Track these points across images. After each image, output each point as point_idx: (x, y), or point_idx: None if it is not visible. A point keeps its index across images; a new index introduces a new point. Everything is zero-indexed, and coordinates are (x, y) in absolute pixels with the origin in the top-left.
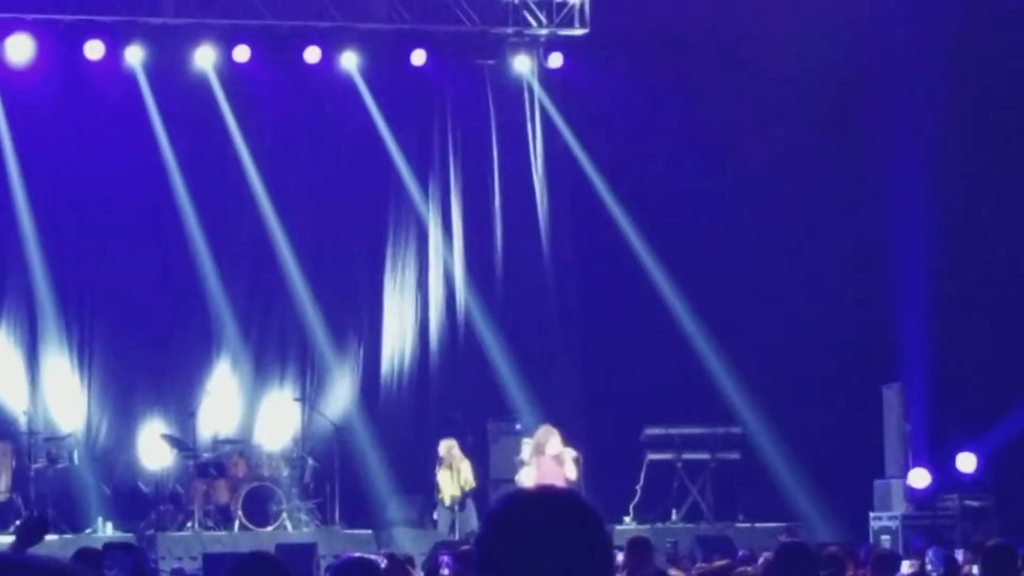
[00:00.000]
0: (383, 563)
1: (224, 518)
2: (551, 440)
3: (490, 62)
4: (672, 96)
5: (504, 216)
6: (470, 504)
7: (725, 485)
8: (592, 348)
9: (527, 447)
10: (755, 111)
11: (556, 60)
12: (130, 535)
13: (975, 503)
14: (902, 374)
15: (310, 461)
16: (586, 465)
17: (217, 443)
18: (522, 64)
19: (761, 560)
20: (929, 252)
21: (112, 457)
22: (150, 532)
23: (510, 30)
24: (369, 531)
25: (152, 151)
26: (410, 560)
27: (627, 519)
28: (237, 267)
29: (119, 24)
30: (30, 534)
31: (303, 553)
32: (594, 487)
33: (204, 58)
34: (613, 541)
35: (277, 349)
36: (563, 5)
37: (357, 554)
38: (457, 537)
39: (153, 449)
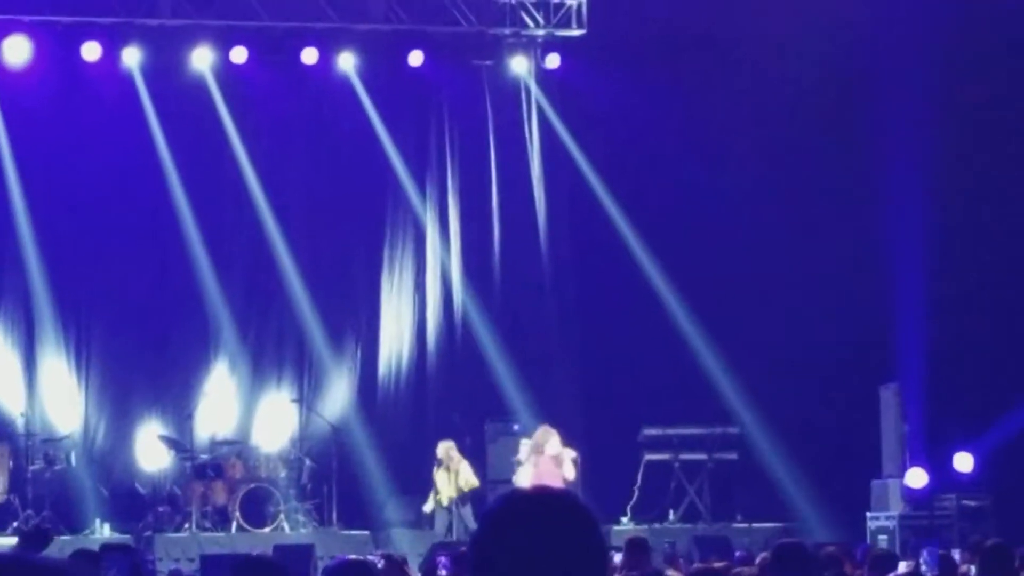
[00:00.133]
0: (380, 563)
1: (222, 519)
2: (550, 440)
3: (487, 63)
4: (669, 96)
5: (501, 217)
6: (468, 505)
7: (722, 485)
8: (590, 349)
9: (525, 447)
10: (752, 111)
11: (553, 61)
12: (128, 536)
13: (972, 503)
14: (899, 374)
15: (308, 462)
16: (584, 465)
17: (214, 444)
18: (519, 65)
19: (759, 560)
20: (927, 252)
21: (110, 458)
22: (148, 533)
23: (507, 31)
24: (367, 532)
25: (149, 152)
26: (403, 560)
27: (624, 519)
28: (234, 268)
29: (116, 25)
30: (31, 545)
31: (300, 554)
32: (592, 487)
33: (201, 59)
34: (609, 542)
35: (275, 350)
36: (560, 6)
37: (352, 556)
38: (455, 538)
39: (150, 450)
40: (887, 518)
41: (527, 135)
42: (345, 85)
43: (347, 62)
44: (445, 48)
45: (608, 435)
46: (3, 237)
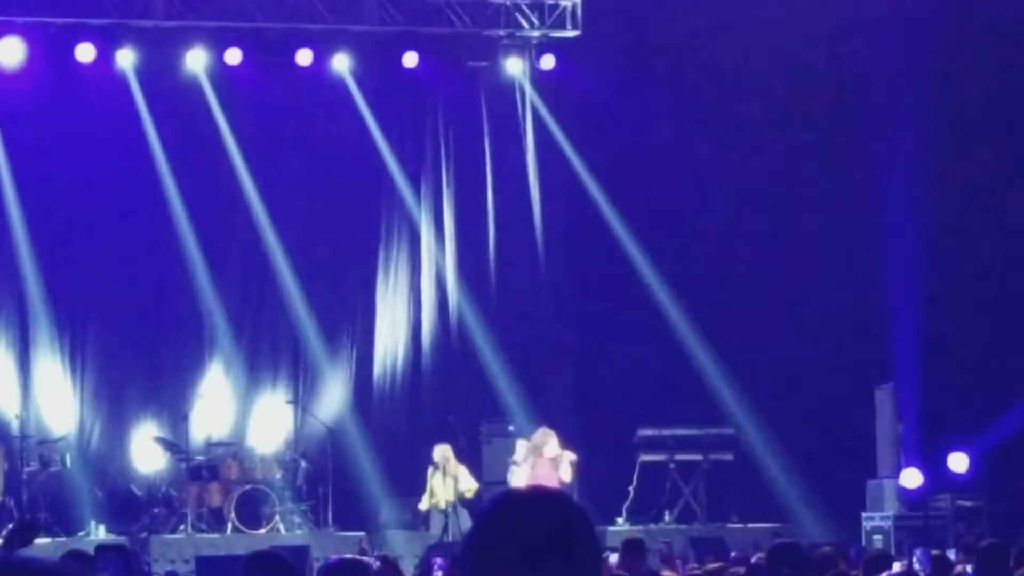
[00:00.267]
0: (375, 564)
1: (217, 521)
2: (549, 442)
3: (482, 64)
4: (664, 97)
5: (496, 218)
6: (465, 508)
7: (718, 486)
8: (585, 349)
9: (521, 448)
10: (746, 112)
11: (548, 62)
12: (123, 538)
13: (967, 503)
14: (894, 375)
15: (303, 463)
16: (579, 466)
17: (210, 446)
18: (514, 66)
19: (754, 560)
20: (922, 253)
21: (105, 460)
22: (143, 535)
23: (502, 32)
24: (362, 533)
25: (144, 154)
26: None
27: (620, 520)
28: (229, 269)
29: (110, 27)
30: (20, 537)
31: (296, 556)
32: (587, 488)
33: (195, 60)
34: (602, 543)
35: (270, 352)
36: (555, 7)
37: (348, 555)
38: (451, 539)
39: (146, 452)
40: (882, 518)
41: (522, 136)
42: (340, 86)
43: (342, 63)
44: (440, 49)
45: (603, 436)
46: None
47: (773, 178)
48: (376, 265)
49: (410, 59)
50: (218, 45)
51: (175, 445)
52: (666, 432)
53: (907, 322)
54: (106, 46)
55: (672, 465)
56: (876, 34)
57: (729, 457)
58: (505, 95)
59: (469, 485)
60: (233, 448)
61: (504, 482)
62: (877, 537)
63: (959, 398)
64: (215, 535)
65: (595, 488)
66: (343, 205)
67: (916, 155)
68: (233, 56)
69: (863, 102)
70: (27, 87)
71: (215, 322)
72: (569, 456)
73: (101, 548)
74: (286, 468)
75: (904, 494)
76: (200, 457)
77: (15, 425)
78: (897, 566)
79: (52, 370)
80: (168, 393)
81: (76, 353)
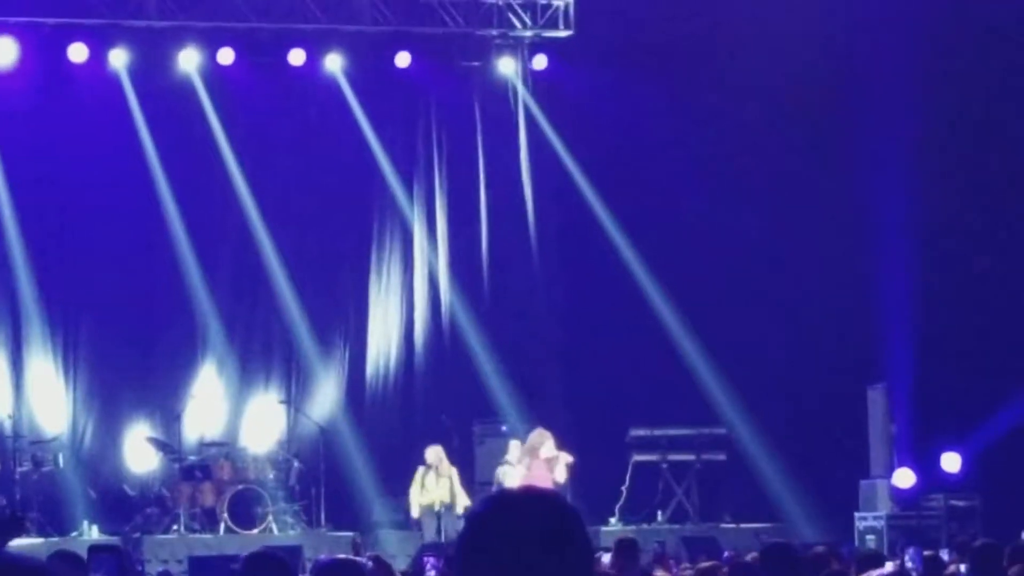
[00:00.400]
0: (368, 564)
1: (210, 521)
2: (546, 443)
3: (475, 64)
4: (656, 97)
5: (489, 218)
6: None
7: (710, 486)
8: (578, 349)
9: (514, 448)
10: (738, 111)
11: (541, 62)
12: (116, 538)
13: (960, 503)
14: (887, 374)
15: (296, 463)
16: (573, 468)
17: (202, 446)
18: (507, 66)
19: (747, 560)
20: (913, 253)
21: (97, 460)
22: (136, 535)
23: (494, 32)
24: (355, 533)
25: (137, 154)
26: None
27: (613, 520)
28: (222, 269)
29: (103, 27)
30: (5, 533)
31: (289, 556)
32: (580, 488)
33: (188, 60)
34: (594, 543)
35: (262, 352)
36: (547, 7)
37: (342, 555)
38: (444, 539)
39: (138, 452)
40: (875, 518)
41: (514, 136)
42: (332, 86)
43: (334, 63)
44: (432, 49)
45: (596, 436)
46: None
47: (766, 178)
48: (369, 265)
49: (403, 59)
50: (211, 45)
51: (168, 445)
52: (659, 432)
53: (900, 322)
54: (99, 46)
55: (665, 465)
56: (870, 33)
57: (722, 457)
58: (498, 95)
59: (459, 496)
60: (226, 448)
61: (496, 483)
62: (870, 537)
63: (952, 398)
64: (208, 535)
65: (588, 488)
66: (336, 205)
67: (908, 156)
68: (226, 56)
69: (855, 102)
70: (20, 87)
71: (208, 322)
72: (566, 458)
73: (94, 548)
74: (279, 468)
75: (897, 494)
76: (193, 457)
77: (8, 425)
78: (889, 566)
79: (45, 370)
80: (161, 393)
81: (69, 353)
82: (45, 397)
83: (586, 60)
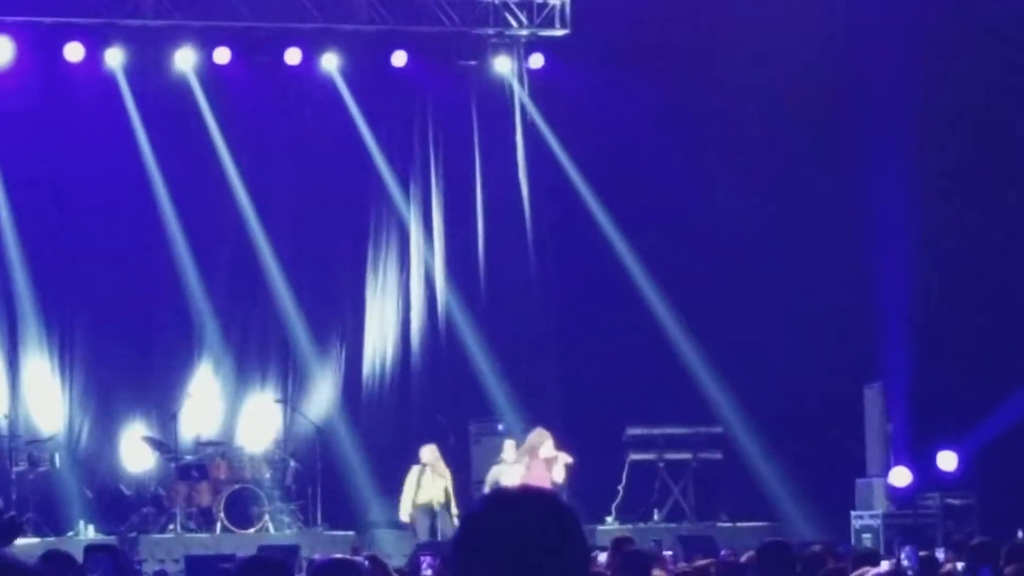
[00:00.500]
0: (365, 563)
1: (206, 520)
2: (545, 443)
3: (471, 63)
4: (653, 96)
5: (486, 217)
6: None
7: (707, 485)
8: (574, 348)
9: (509, 448)
10: (735, 111)
11: (537, 61)
12: (112, 538)
13: (956, 502)
14: (883, 373)
15: (292, 463)
16: (572, 468)
17: (199, 445)
18: (503, 65)
19: (744, 559)
20: (911, 252)
21: (94, 460)
22: (132, 535)
23: (491, 31)
24: (351, 533)
25: (133, 153)
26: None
27: (609, 519)
28: (219, 269)
29: (99, 26)
30: (1, 536)
31: (286, 555)
32: (576, 487)
33: (184, 60)
34: (590, 542)
35: (259, 351)
36: (544, 6)
37: (339, 555)
38: (440, 538)
39: (135, 452)
40: (871, 517)
41: (511, 135)
42: (328, 85)
43: (330, 62)
44: (429, 48)
45: (592, 435)
46: None
47: (762, 177)
48: (365, 264)
49: (399, 58)
50: (207, 44)
51: (164, 445)
52: (655, 431)
53: (897, 321)
54: (95, 45)
55: (661, 464)
56: (870, 33)
57: (718, 456)
58: (494, 94)
59: (449, 489)
60: (222, 448)
61: (487, 482)
62: (866, 536)
63: (948, 396)
64: (204, 535)
65: (584, 487)
66: (332, 204)
67: (905, 155)
68: (222, 55)
69: (853, 102)
70: (16, 86)
71: (204, 321)
72: (565, 459)
73: (90, 548)
74: (275, 467)
75: (893, 492)
76: (189, 457)
77: (4, 425)
78: (885, 564)
79: (41, 369)
80: (157, 393)
81: (65, 353)
82: (41, 397)
83: (582, 59)
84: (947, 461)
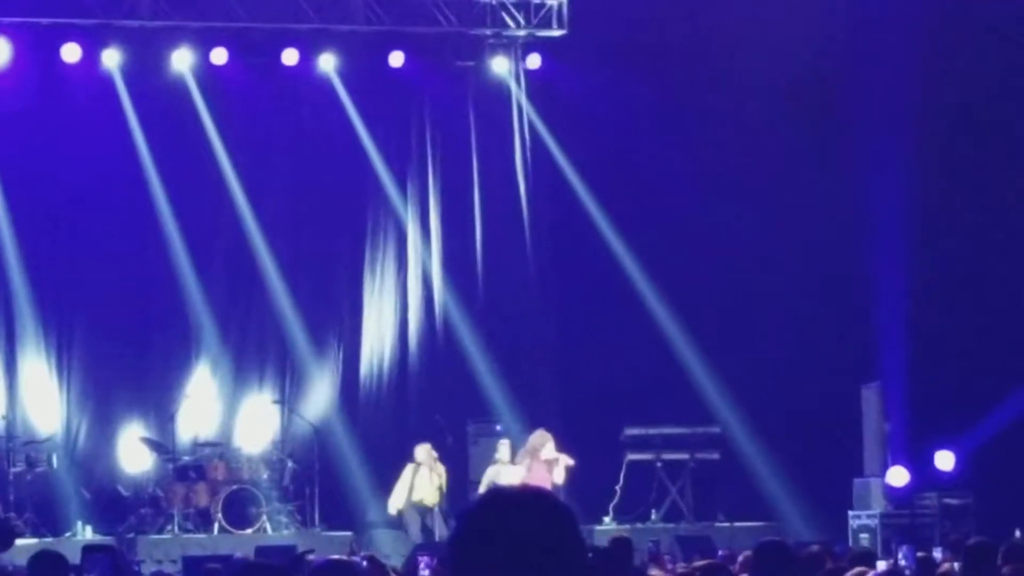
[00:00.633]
0: (363, 564)
1: (204, 521)
2: (547, 445)
3: (468, 63)
4: (651, 96)
5: (483, 217)
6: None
7: (705, 485)
8: (572, 348)
9: (504, 448)
10: (732, 111)
11: (535, 61)
12: (110, 538)
13: (954, 501)
14: (881, 373)
15: (290, 463)
16: (572, 470)
17: (196, 446)
18: (500, 65)
19: (741, 559)
20: (908, 252)
21: (91, 461)
22: (130, 535)
23: (488, 31)
24: (349, 533)
25: (130, 154)
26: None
27: (607, 519)
28: (216, 269)
29: (96, 27)
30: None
31: (286, 555)
32: (574, 487)
33: (181, 61)
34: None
35: (256, 352)
36: (541, 6)
37: (336, 556)
38: (438, 538)
39: (132, 452)
40: (869, 517)
41: (508, 135)
42: (326, 86)
43: (328, 63)
44: (426, 49)
45: (590, 435)
46: None
47: (760, 177)
48: (363, 265)
49: (396, 59)
50: (204, 45)
51: (162, 445)
52: (653, 431)
53: (894, 320)
54: (92, 46)
55: (659, 464)
56: (870, 33)
57: (716, 456)
58: (491, 94)
59: (443, 486)
60: (220, 448)
61: (483, 482)
62: (864, 536)
63: (946, 396)
64: (202, 535)
65: (582, 487)
66: (330, 205)
67: (902, 155)
68: (219, 56)
69: (850, 101)
70: (12, 87)
71: (201, 322)
72: (566, 461)
73: (88, 548)
74: (273, 468)
75: (891, 492)
76: (187, 457)
77: (1, 426)
78: (883, 564)
79: (38, 370)
80: (155, 393)
81: (62, 353)
82: (38, 397)
83: (580, 59)
84: (945, 461)
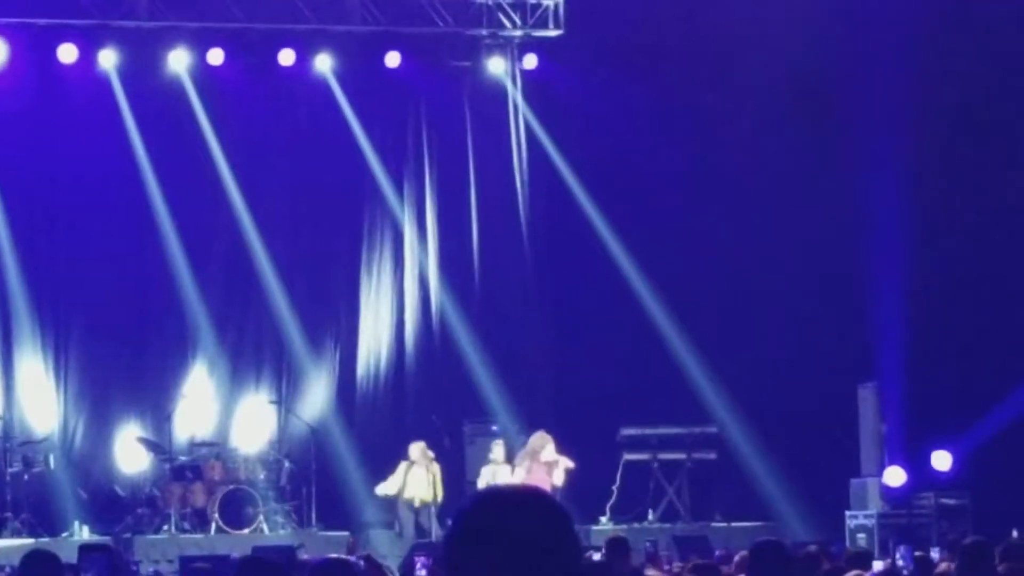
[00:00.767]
0: (360, 564)
1: (201, 521)
2: (547, 447)
3: (465, 64)
4: (647, 96)
5: (480, 218)
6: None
7: (701, 485)
8: (568, 349)
9: (498, 448)
10: (729, 111)
11: (531, 61)
12: (107, 538)
13: (951, 501)
14: (878, 373)
15: (287, 463)
16: (571, 472)
17: (193, 446)
18: (497, 66)
19: (737, 559)
20: (906, 252)
21: (88, 461)
22: (127, 535)
23: (484, 32)
24: (346, 533)
25: (127, 155)
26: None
27: (603, 519)
28: (213, 270)
29: (92, 28)
30: None
31: (283, 555)
32: (571, 487)
33: (178, 61)
34: (583, 541)
35: (253, 352)
36: (537, 6)
37: (334, 555)
38: (434, 539)
39: (129, 452)
40: (866, 517)
41: (505, 136)
42: (322, 87)
43: (324, 63)
44: (422, 49)
45: (587, 435)
46: None
47: (757, 177)
48: (359, 265)
49: (392, 59)
50: (201, 45)
51: (158, 445)
52: (649, 431)
53: (891, 321)
54: (88, 47)
55: (656, 464)
56: (870, 33)
57: (712, 456)
58: (488, 95)
59: (439, 485)
60: (216, 448)
61: (479, 482)
62: (861, 536)
63: (942, 396)
64: (199, 535)
65: (579, 487)
66: (326, 205)
67: (901, 155)
68: (216, 56)
69: (847, 102)
70: (9, 88)
71: (198, 322)
72: (566, 463)
73: (85, 548)
74: (270, 468)
75: (888, 492)
76: (184, 457)
77: None
78: (880, 564)
79: (35, 371)
80: (151, 394)
81: (59, 354)
82: (35, 398)
83: (576, 60)
84: (941, 461)
